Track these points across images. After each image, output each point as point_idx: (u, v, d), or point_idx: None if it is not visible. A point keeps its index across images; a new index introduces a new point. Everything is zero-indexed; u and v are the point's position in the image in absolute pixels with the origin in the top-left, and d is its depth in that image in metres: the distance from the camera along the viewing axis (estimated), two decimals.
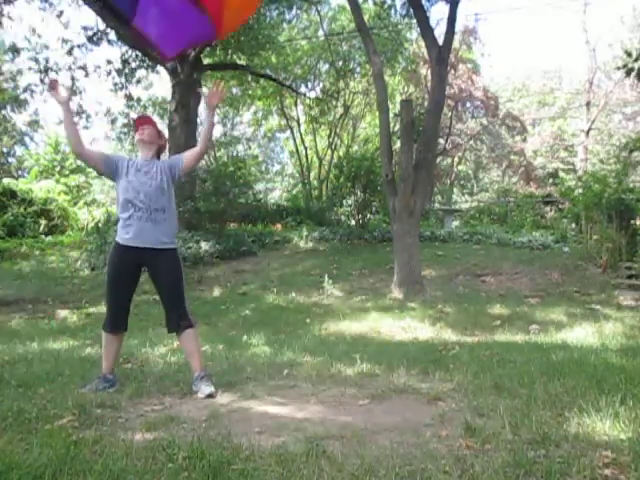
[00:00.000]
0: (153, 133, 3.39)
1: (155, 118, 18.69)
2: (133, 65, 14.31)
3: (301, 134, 21.02)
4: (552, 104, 27.28)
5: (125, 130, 17.12)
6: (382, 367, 3.76)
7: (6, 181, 16.61)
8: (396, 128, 13.70)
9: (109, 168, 3.27)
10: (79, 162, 25.85)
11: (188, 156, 3.35)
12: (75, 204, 17.47)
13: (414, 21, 11.80)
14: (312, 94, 19.53)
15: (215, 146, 23.70)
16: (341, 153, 18.81)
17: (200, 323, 6.73)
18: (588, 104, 22.88)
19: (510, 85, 28.85)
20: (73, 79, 14.52)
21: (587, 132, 22.53)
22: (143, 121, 3.44)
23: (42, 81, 14.39)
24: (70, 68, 14.26)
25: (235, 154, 22.00)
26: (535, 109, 27.73)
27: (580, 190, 10.47)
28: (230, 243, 10.95)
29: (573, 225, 11.58)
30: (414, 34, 17.25)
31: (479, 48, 21.61)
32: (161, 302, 3.33)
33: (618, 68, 11.45)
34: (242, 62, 14.67)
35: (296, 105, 20.44)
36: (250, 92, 18.82)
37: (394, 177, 8.34)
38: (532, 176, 23.38)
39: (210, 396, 3.06)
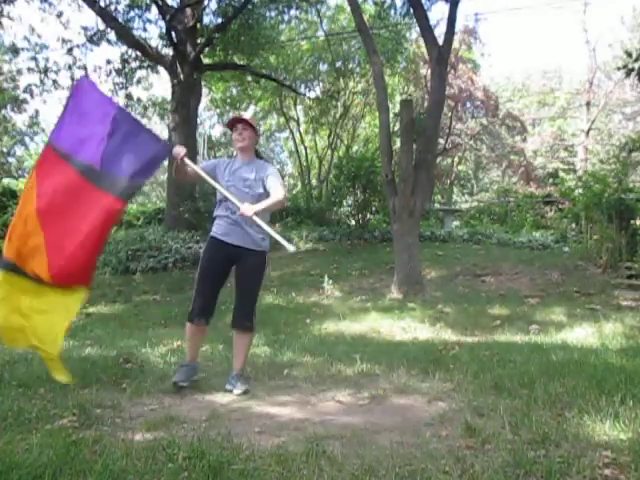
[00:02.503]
0: (252, 135, 3.39)
1: (155, 118, 18.60)
2: (133, 65, 14.31)
3: (301, 134, 21.00)
4: (552, 104, 27.27)
5: None
6: (382, 367, 3.76)
7: (6, 181, 16.62)
8: (396, 128, 13.69)
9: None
10: None
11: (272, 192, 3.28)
12: None
13: (414, 21, 11.80)
14: (312, 94, 19.53)
15: (215, 146, 23.72)
16: (341, 153, 18.80)
17: None
18: (588, 104, 22.88)
19: (510, 85, 28.85)
20: (73, 79, 14.52)
21: (587, 132, 22.52)
22: (239, 120, 3.41)
23: (42, 81, 14.39)
24: (70, 68, 14.26)
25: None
26: (535, 109, 27.72)
27: (580, 190, 10.47)
28: None
29: (573, 225, 11.57)
30: (414, 34, 17.24)
31: (479, 48, 21.61)
32: (235, 298, 3.40)
33: (618, 68, 11.43)
34: (242, 62, 14.66)
35: (295, 105, 20.43)
36: (250, 92, 18.81)
37: (394, 177, 8.34)
38: (532, 176, 23.37)
39: (245, 392, 3.20)
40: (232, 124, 3.42)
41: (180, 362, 3.40)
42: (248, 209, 3.07)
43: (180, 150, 3.17)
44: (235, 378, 3.31)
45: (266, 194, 3.29)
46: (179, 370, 3.33)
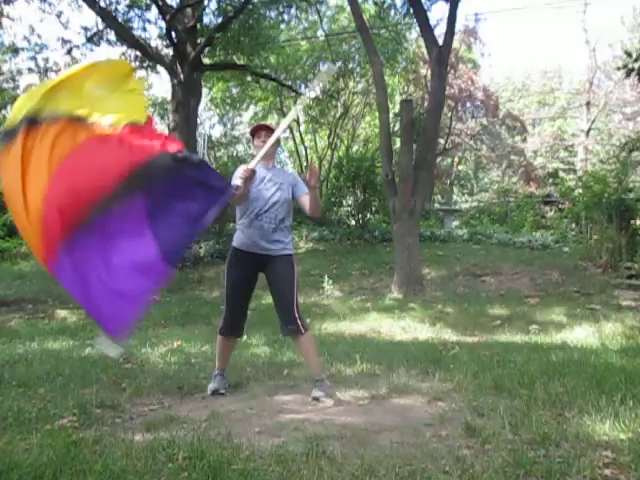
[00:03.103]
0: (275, 143, 3.29)
1: (155, 118, 18.66)
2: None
3: (301, 134, 21.00)
4: (552, 104, 27.28)
5: None
6: (382, 367, 3.77)
7: None
8: (396, 128, 13.70)
9: None
10: None
11: (304, 201, 3.31)
12: None
13: (414, 21, 11.81)
14: (312, 94, 19.51)
15: (215, 146, 23.75)
16: (341, 153, 18.81)
17: (200, 323, 6.76)
18: (588, 104, 22.87)
19: (510, 85, 28.85)
20: None
21: (587, 132, 22.52)
22: (262, 127, 3.40)
23: (42, 81, 14.38)
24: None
25: (235, 154, 21.99)
26: (535, 109, 27.73)
27: (580, 190, 10.46)
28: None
29: (573, 225, 11.56)
30: (414, 34, 17.25)
31: (479, 48, 21.60)
32: (274, 305, 3.33)
33: (618, 68, 11.44)
34: (242, 62, 14.65)
35: (296, 105, 20.41)
36: (250, 92, 18.81)
37: (394, 177, 8.34)
38: (532, 176, 23.36)
39: (315, 399, 3.06)
40: (255, 131, 3.40)
41: (212, 372, 3.35)
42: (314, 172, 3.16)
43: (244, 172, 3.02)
44: (313, 383, 3.18)
45: (291, 200, 3.34)
46: (214, 379, 3.29)
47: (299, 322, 3.20)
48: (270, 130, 3.33)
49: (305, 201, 3.31)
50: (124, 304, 2.19)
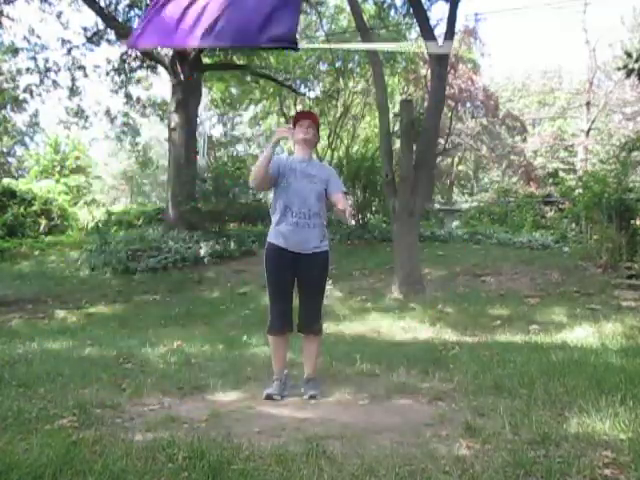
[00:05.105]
0: (316, 134, 3.27)
1: (154, 118, 18.66)
2: (133, 65, 14.32)
3: None
4: (552, 104, 27.32)
5: (125, 130, 17.08)
6: (382, 367, 3.76)
7: (6, 181, 16.62)
8: (396, 128, 13.68)
9: (274, 180, 3.22)
10: (79, 162, 25.90)
11: (336, 199, 3.21)
12: (75, 204, 17.46)
13: (414, 21, 11.81)
14: (312, 94, 19.54)
15: (215, 146, 23.74)
16: (341, 153, 18.80)
17: (200, 323, 6.77)
18: (588, 104, 22.89)
19: (510, 85, 28.88)
20: (73, 79, 14.53)
21: (587, 132, 22.54)
22: (307, 116, 3.29)
23: (42, 81, 14.38)
24: (69, 68, 14.25)
25: (235, 154, 21.99)
26: (535, 109, 27.76)
27: (580, 190, 10.46)
28: (230, 243, 10.95)
29: (573, 225, 11.56)
30: (414, 34, 17.25)
31: (479, 48, 21.61)
32: (299, 302, 3.28)
33: (618, 68, 11.43)
34: (242, 62, 14.65)
35: (296, 105, 20.43)
36: (250, 92, 18.83)
37: (394, 177, 8.34)
38: (532, 176, 23.38)
39: (312, 397, 3.10)
40: (298, 119, 3.28)
41: (273, 377, 3.27)
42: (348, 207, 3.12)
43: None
44: (306, 382, 3.23)
45: (325, 194, 3.25)
46: (271, 384, 3.20)
47: (320, 324, 3.24)
48: (314, 122, 3.24)
49: (337, 200, 3.21)
50: None
